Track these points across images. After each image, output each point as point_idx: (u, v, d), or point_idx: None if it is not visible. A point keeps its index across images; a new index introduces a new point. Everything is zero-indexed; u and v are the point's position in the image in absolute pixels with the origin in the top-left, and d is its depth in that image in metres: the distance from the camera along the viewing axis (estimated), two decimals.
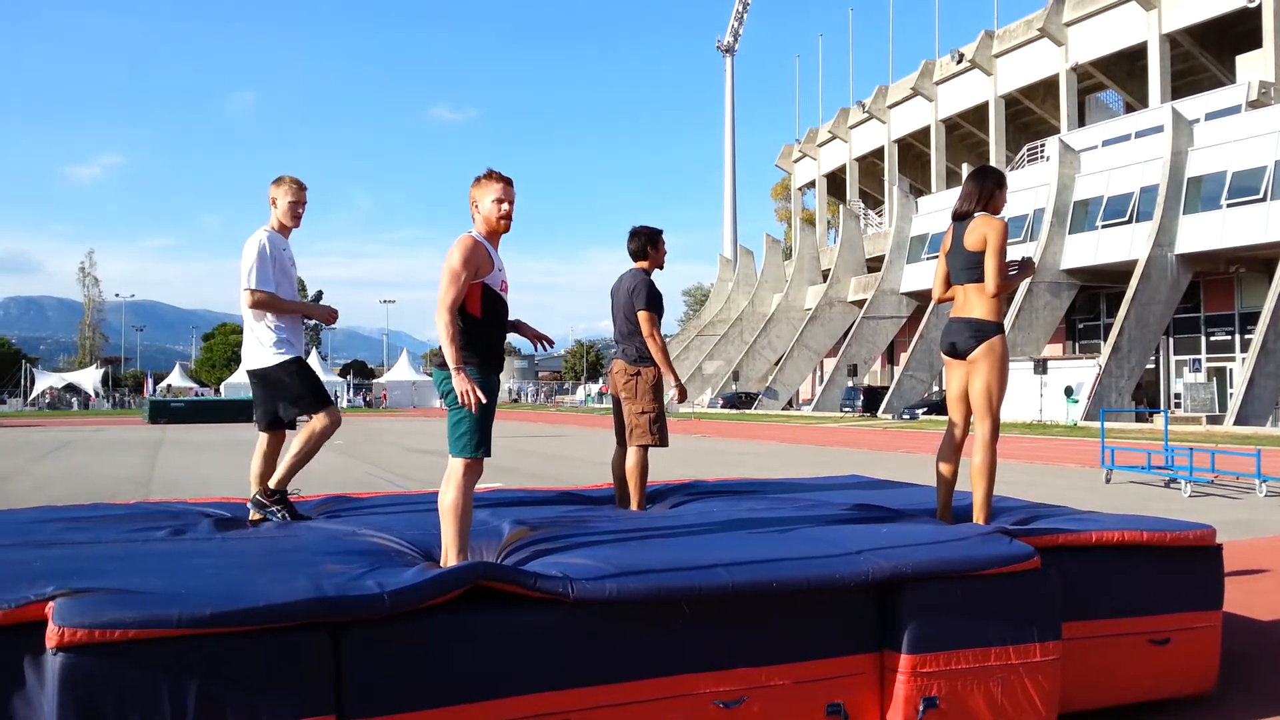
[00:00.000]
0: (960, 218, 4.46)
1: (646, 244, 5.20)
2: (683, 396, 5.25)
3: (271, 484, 4.49)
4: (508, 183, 3.78)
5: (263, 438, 4.70)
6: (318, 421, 4.56)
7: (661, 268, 5.27)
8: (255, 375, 4.66)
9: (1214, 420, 30.55)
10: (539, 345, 4.43)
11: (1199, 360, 37.63)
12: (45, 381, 77.08)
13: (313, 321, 5.11)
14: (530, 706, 2.93)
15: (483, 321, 3.69)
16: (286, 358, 4.59)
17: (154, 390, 69.51)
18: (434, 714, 2.82)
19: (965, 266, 4.37)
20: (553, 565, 3.25)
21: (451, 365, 3.51)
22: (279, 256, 4.63)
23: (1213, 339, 37.45)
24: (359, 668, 2.75)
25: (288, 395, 4.62)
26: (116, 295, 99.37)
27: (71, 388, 76.49)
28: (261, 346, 4.59)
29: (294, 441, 4.55)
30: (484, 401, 3.53)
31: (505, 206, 3.74)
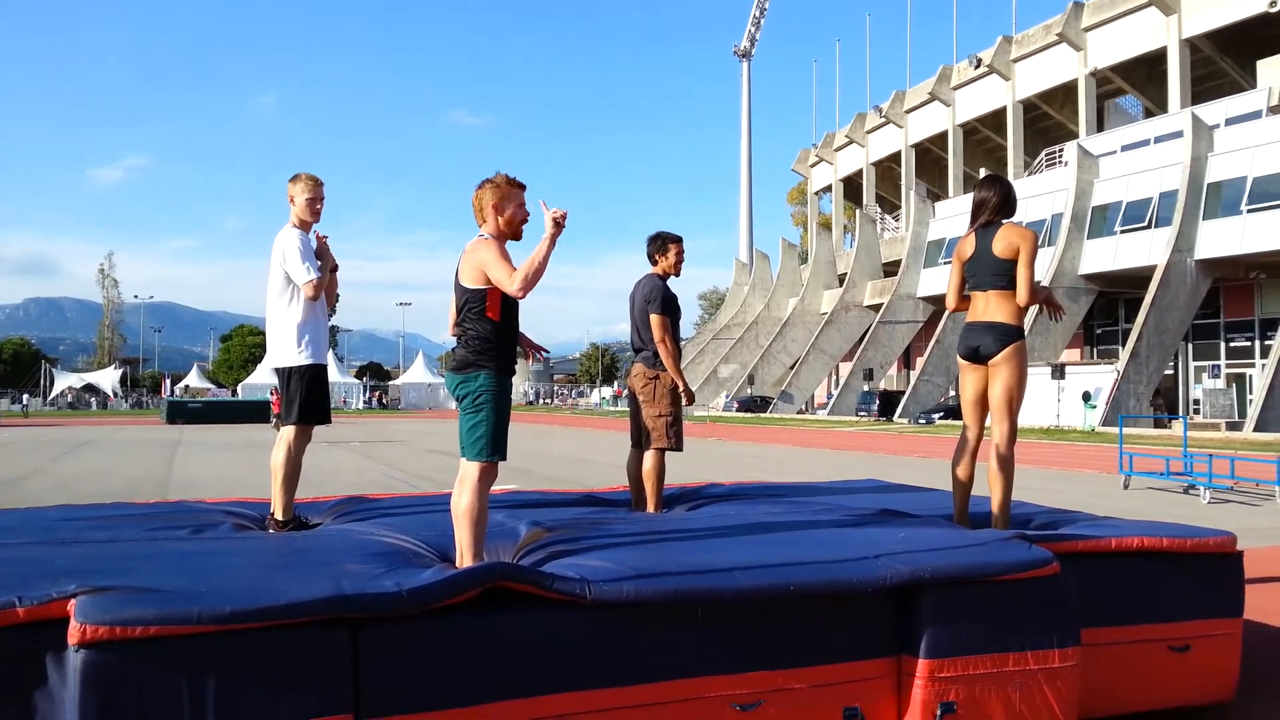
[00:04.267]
0: (985, 226, 4.46)
1: (655, 251, 5.26)
2: (690, 401, 5.25)
3: (279, 516, 4.52)
4: (520, 187, 3.74)
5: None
6: (291, 439, 4.57)
7: (676, 274, 5.30)
8: (278, 372, 4.74)
9: (1233, 426, 30.29)
10: (533, 357, 4.46)
11: (1218, 366, 37.35)
12: (64, 382, 77.83)
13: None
14: (546, 708, 2.93)
15: (500, 325, 3.67)
16: (309, 362, 4.65)
17: (172, 391, 69.97)
18: (450, 714, 2.82)
19: (993, 273, 4.37)
20: (570, 567, 3.25)
21: (549, 241, 3.49)
22: (311, 248, 4.69)
23: (1232, 345, 37.15)
24: (377, 666, 2.75)
25: (288, 395, 4.65)
26: (135, 297, 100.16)
27: (90, 388, 77.14)
28: (289, 346, 4.64)
29: (275, 472, 4.55)
30: (560, 222, 3.50)
31: (522, 211, 3.72)
